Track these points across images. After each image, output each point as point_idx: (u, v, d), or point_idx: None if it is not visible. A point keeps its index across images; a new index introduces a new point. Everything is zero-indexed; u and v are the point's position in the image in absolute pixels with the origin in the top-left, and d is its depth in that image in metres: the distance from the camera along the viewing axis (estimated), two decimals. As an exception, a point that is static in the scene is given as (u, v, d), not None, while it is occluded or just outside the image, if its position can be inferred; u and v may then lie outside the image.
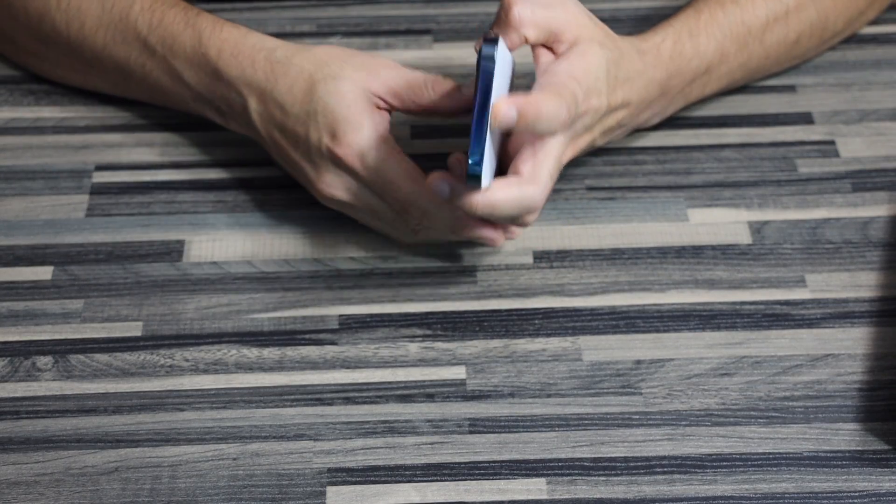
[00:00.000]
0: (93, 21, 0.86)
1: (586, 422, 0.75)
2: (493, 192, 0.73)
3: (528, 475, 0.72)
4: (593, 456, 0.73)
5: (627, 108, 0.81)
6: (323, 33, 0.97)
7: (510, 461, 0.73)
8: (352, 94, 0.78)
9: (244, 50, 0.82)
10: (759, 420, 0.75)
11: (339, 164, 0.78)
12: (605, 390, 0.76)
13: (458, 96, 0.79)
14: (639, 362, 0.78)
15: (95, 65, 0.88)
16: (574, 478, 0.72)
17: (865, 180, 0.87)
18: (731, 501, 0.71)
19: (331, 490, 0.72)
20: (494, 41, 0.72)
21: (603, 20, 0.99)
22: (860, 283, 0.81)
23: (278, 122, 0.80)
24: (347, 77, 0.78)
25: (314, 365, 0.78)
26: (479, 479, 0.72)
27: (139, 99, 0.90)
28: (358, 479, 0.72)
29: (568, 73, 0.75)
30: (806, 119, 0.91)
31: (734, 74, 0.88)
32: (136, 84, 0.88)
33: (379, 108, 0.79)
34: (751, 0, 0.86)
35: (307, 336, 0.79)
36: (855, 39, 0.97)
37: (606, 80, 0.78)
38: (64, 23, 0.87)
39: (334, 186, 0.79)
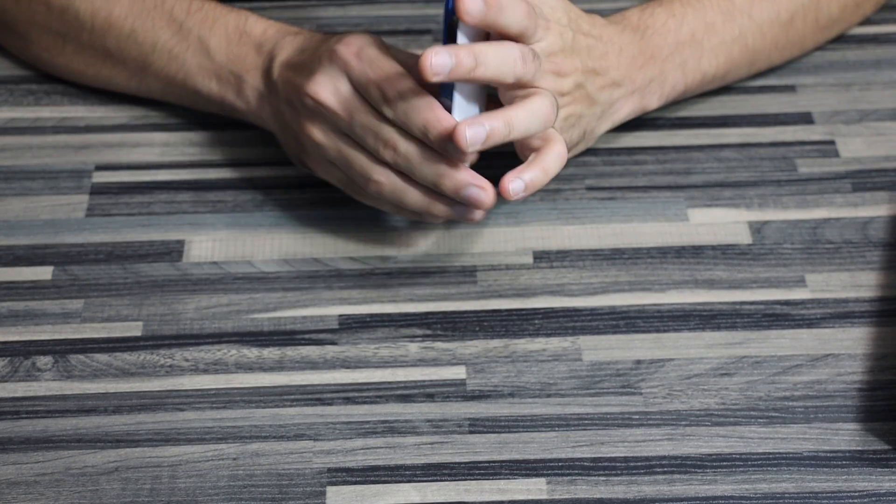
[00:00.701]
0: (122, 9, 0.88)
1: (586, 422, 0.75)
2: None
3: (528, 475, 0.72)
4: (593, 456, 0.73)
5: (606, 50, 0.81)
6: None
7: (510, 461, 0.73)
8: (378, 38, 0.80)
9: (289, 31, 0.85)
10: (759, 420, 0.75)
11: (334, 59, 0.78)
12: (605, 390, 0.76)
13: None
14: (639, 362, 0.78)
15: (115, 54, 0.89)
16: (574, 478, 0.72)
17: (865, 180, 0.88)
18: (731, 501, 0.71)
19: (331, 490, 0.72)
20: None
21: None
22: (860, 283, 0.81)
23: (295, 63, 0.82)
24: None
25: (314, 365, 0.78)
26: (479, 479, 0.72)
27: (150, 94, 0.91)
28: (358, 479, 0.72)
29: None
30: (806, 119, 0.92)
31: (731, 50, 0.88)
32: (154, 73, 0.88)
33: None
34: None
35: (307, 336, 0.79)
36: (855, 39, 0.97)
37: (566, 15, 0.79)
38: (90, 12, 0.88)
39: (321, 84, 0.78)
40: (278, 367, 0.78)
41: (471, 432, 0.74)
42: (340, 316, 0.80)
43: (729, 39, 0.87)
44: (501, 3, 0.72)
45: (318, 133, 0.80)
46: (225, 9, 0.87)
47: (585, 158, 0.89)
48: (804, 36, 0.92)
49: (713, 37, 0.87)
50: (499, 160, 0.84)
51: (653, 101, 0.86)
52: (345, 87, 0.78)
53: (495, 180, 0.77)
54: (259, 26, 0.85)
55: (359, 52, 0.78)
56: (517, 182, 0.74)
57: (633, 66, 0.83)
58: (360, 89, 0.78)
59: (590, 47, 0.80)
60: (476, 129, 0.72)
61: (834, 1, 0.92)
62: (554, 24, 0.77)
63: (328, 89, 0.78)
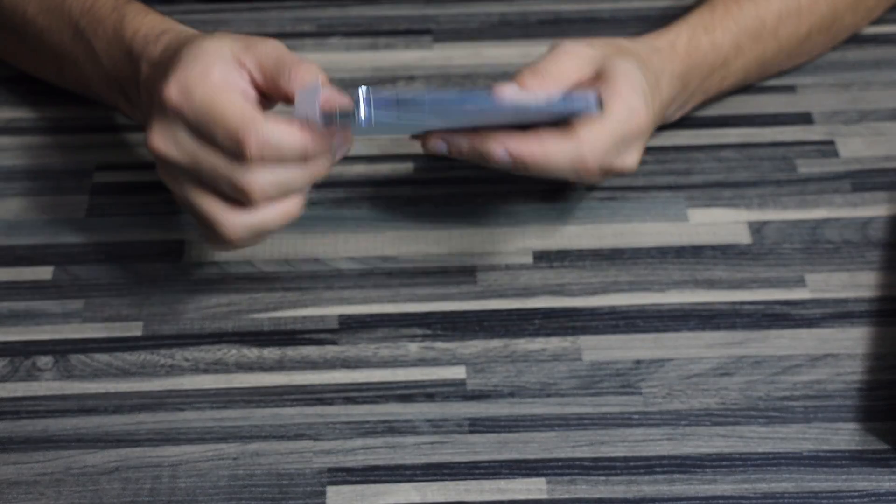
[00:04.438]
0: (35, 6, 0.86)
1: (586, 422, 0.75)
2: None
3: (528, 475, 0.73)
4: (593, 456, 0.73)
5: (660, 78, 0.82)
6: (323, 33, 0.97)
7: (510, 461, 0.73)
8: (212, 49, 0.72)
9: (155, 32, 0.77)
10: (759, 420, 0.75)
11: (165, 106, 0.70)
12: (605, 390, 0.76)
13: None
14: (639, 362, 0.78)
15: (38, 51, 0.88)
16: (574, 478, 0.72)
17: (865, 180, 0.88)
18: (731, 501, 0.71)
19: (331, 490, 0.72)
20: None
21: (603, 21, 0.99)
22: (860, 283, 0.81)
23: (150, 80, 0.75)
24: (219, 39, 0.72)
25: (314, 365, 0.78)
26: (479, 479, 0.72)
27: (73, 89, 0.89)
28: (358, 479, 0.72)
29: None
30: (806, 119, 0.92)
31: (749, 68, 0.89)
32: (69, 71, 0.86)
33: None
34: None
35: (307, 336, 0.79)
36: (855, 39, 0.97)
37: (649, 93, 0.78)
38: (10, 9, 0.87)
39: (158, 137, 0.71)
40: (278, 367, 0.78)
41: (471, 432, 0.74)
42: (340, 316, 0.80)
43: (752, 59, 0.88)
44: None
45: (167, 171, 0.73)
46: (109, 7, 0.81)
47: (585, 158, 0.89)
48: (815, 45, 0.93)
49: (739, 59, 0.87)
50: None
51: (674, 116, 0.87)
52: (183, 135, 0.71)
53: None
54: (129, 29, 0.79)
55: (187, 94, 0.70)
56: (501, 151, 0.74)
57: (672, 88, 0.84)
58: (203, 131, 0.70)
59: (652, 86, 0.80)
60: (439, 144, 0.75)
61: (849, 11, 0.92)
62: (627, 91, 0.77)
63: (166, 140, 0.71)
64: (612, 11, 0.99)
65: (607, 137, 0.75)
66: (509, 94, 0.73)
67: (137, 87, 0.77)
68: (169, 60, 0.73)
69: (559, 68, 0.76)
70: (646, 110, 0.77)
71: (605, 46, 0.79)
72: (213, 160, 0.70)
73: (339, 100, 0.70)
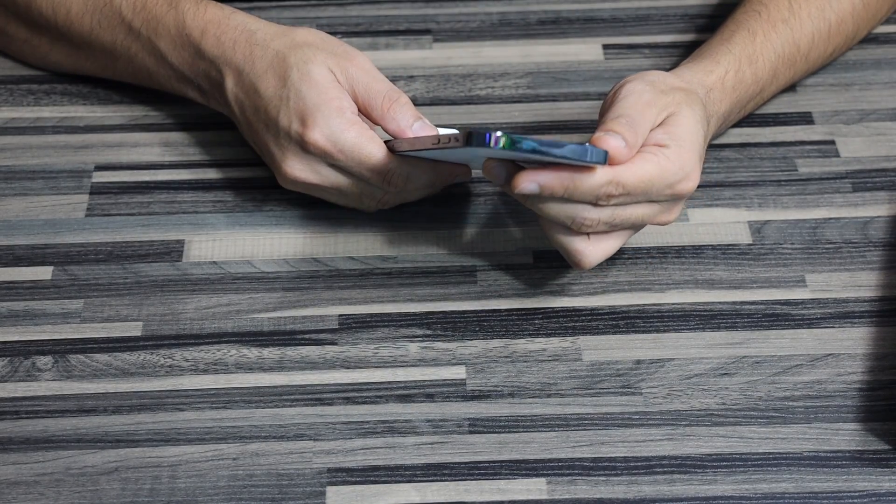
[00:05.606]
0: (78, 7, 0.88)
1: (586, 422, 0.75)
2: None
3: (528, 475, 0.72)
4: (593, 456, 0.73)
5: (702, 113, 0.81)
6: (323, 33, 0.97)
7: (510, 461, 0.73)
8: (323, 78, 0.80)
9: (227, 31, 0.84)
10: (759, 420, 0.75)
11: (307, 149, 0.79)
12: (605, 390, 0.76)
13: (399, 129, 0.80)
14: (639, 362, 0.78)
15: (84, 48, 0.90)
16: (574, 478, 0.72)
17: (865, 180, 0.87)
18: (731, 501, 0.71)
19: (331, 490, 0.72)
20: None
21: (602, 20, 0.99)
22: (860, 283, 0.81)
23: (252, 103, 0.82)
24: (320, 62, 0.80)
25: (314, 365, 0.78)
26: (479, 479, 0.72)
27: (126, 80, 0.91)
28: (358, 479, 0.72)
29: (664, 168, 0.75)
30: (806, 119, 0.91)
31: (778, 90, 0.90)
32: (123, 66, 0.89)
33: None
34: (797, 17, 0.87)
35: (307, 336, 0.79)
36: (855, 39, 0.97)
37: (701, 146, 0.78)
38: (50, 9, 0.89)
39: (299, 169, 0.81)
40: (278, 367, 0.78)
41: (471, 432, 0.74)
42: (340, 316, 0.80)
43: (783, 83, 0.89)
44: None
45: (301, 187, 0.83)
46: (163, 4, 0.86)
47: (585, 158, 0.89)
48: (834, 58, 0.93)
49: (773, 85, 0.88)
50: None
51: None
52: (324, 168, 0.81)
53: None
54: (196, 28, 0.84)
55: (335, 143, 0.79)
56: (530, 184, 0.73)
57: (716, 128, 0.84)
58: (350, 169, 0.80)
59: (704, 135, 0.79)
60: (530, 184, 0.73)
61: (868, 24, 0.93)
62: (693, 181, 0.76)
63: (306, 171, 0.81)
64: (612, 11, 0.99)
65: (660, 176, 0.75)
66: (614, 144, 0.73)
67: (220, 89, 0.84)
68: (280, 82, 0.80)
69: (644, 120, 0.75)
70: (697, 173, 0.76)
71: (674, 92, 0.77)
72: (355, 179, 0.81)
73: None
